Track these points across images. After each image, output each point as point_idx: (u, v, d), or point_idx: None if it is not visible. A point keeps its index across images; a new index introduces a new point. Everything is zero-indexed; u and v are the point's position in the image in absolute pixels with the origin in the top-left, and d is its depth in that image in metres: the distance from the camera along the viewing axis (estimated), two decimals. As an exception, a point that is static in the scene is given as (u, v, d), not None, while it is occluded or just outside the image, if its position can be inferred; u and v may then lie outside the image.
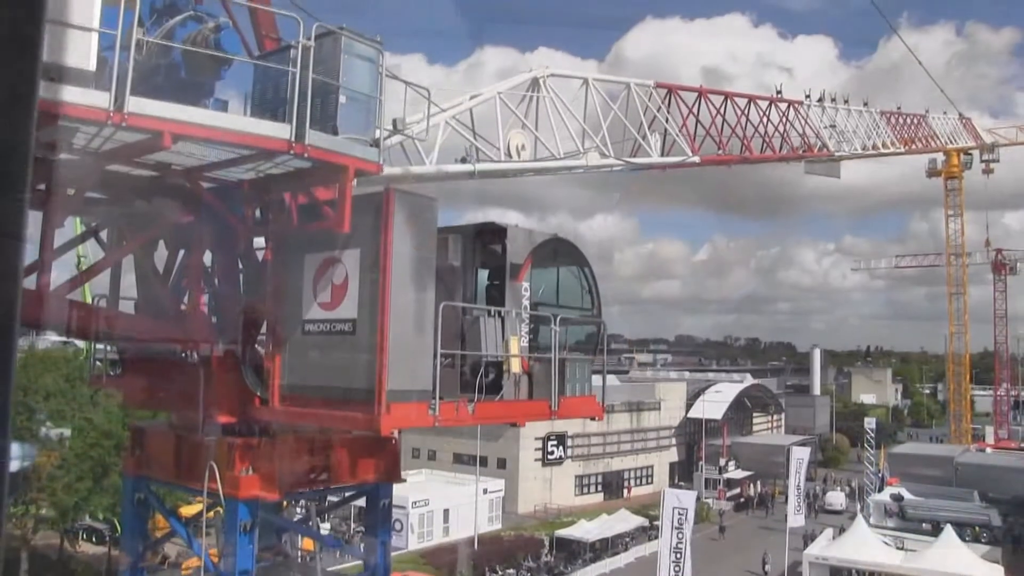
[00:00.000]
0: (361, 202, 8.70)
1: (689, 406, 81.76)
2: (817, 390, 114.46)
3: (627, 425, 75.90)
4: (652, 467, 78.92)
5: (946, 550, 45.27)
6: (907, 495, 62.74)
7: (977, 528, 57.76)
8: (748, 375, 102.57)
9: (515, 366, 10.27)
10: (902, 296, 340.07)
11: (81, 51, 6.77)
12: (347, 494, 12.07)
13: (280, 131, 7.62)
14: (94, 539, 50.46)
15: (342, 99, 8.18)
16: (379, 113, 8.57)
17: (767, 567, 50.88)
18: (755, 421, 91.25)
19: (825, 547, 48.81)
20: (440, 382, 9.19)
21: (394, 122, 12.71)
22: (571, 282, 12.35)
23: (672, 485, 78.85)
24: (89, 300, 11.00)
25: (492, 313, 10.36)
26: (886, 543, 49.98)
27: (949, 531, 47.56)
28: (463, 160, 13.80)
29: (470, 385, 10.30)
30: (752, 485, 75.89)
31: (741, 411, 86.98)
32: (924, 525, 58.25)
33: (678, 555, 34.95)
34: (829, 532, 53.81)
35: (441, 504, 57.37)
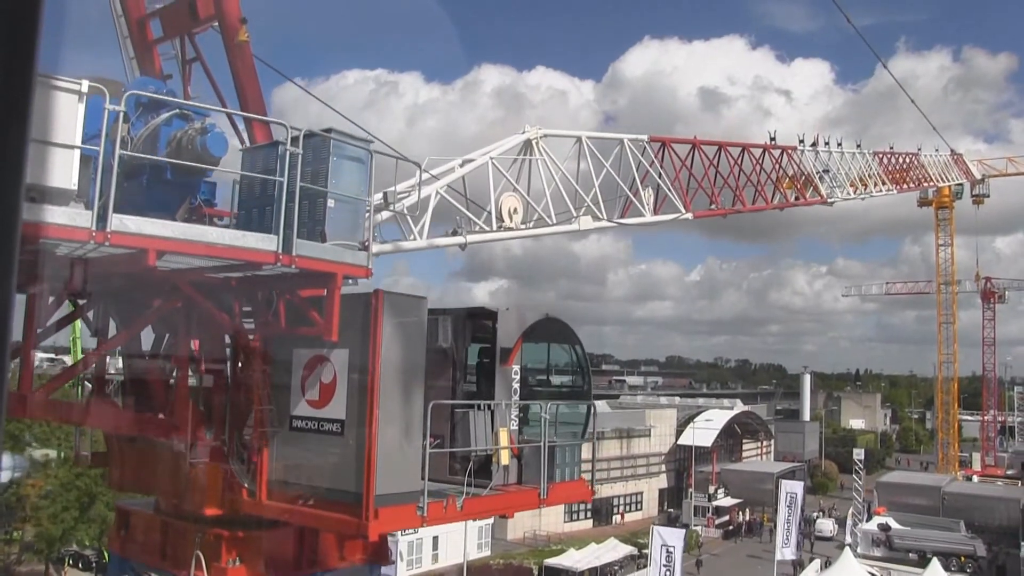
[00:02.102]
0: (350, 302, 8.61)
1: (679, 432, 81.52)
2: (807, 415, 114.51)
3: (617, 452, 75.58)
4: (642, 493, 78.63)
5: (931, 582, 45.39)
6: (894, 524, 62.74)
7: (963, 558, 57.78)
8: (738, 401, 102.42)
9: (504, 459, 10.16)
10: (892, 319, 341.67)
11: (63, 171, 6.67)
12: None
13: (267, 243, 7.53)
14: (80, 565, 49.91)
15: (331, 203, 8.10)
16: (369, 216, 8.46)
17: None
18: (745, 447, 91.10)
19: (813, 579, 48.75)
20: (429, 467, 9.10)
21: (384, 195, 12.67)
22: (562, 361, 12.29)
23: (661, 511, 78.82)
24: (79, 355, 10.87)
25: (481, 407, 10.23)
26: (872, 574, 49.92)
27: (935, 564, 47.54)
28: (454, 232, 13.71)
29: (460, 468, 10.23)
30: (741, 512, 75.67)
31: (731, 437, 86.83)
32: (911, 555, 58.29)
33: (666, 593, 34.81)
34: (816, 563, 53.73)
35: (430, 531, 56.88)
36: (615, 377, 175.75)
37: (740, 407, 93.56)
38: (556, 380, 12.21)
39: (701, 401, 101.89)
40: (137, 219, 6.94)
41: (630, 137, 19.15)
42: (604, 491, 73.62)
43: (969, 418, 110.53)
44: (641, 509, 77.96)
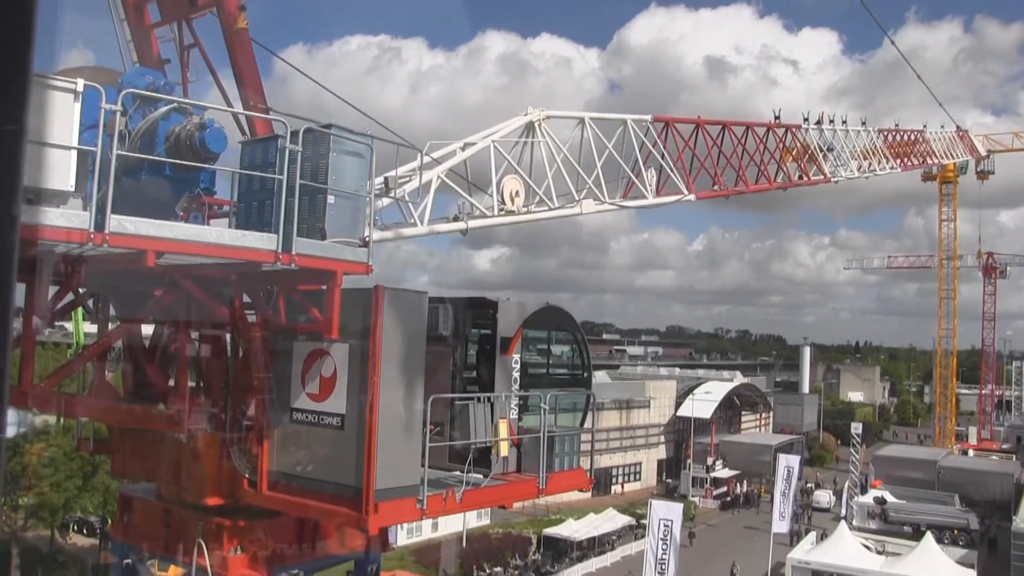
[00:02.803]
0: (351, 297, 8.59)
1: (678, 404, 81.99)
2: (806, 388, 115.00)
3: (616, 423, 76.03)
4: (640, 464, 79.27)
5: (924, 557, 45.95)
6: (890, 498, 63.39)
7: (956, 531, 58.45)
8: (738, 373, 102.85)
9: (503, 450, 10.20)
10: (894, 292, 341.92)
11: (60, 172, 6.61)
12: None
13: (266, 242, 7.49)
14: (85, 531, 50.41)
15: (331, 199, 8.03)
16: (369, 211, 8.40)
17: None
18: (744, 419, 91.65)
19: (808, 551, 49.31)
20: (429, 454, 9.14)
21: (385, 180, 12.60)
22: (562, 349, 12.31)
23: (660, 482, 79.49)
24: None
25: (481, 399, 10.26)
26: (867, 547, 50.50)
27: (928, 539, 48.09)
28: (455, 218, 13.65)
29: (460, 456, 10.29)
30: (739, 484, 76.30)
31: (730, 409, 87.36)
32: (906, 528, 58.95)
33: (663, 565, 35.14)
34: (812, 536, 54.34)
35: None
36: (615, 347, 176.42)
37: (740, 379, 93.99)
38: (556, 368, 12.22)
39: (701, 373, 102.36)
40: (136, 220, 6.89)
41: (633, 117, 18.99)
42: (603, 461, 74.17)
43: (967, 392, 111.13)
44: (640, 479, 78.65)
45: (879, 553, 50.08)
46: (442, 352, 11.01)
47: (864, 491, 67.21)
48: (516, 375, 11.17)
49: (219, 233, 7.51)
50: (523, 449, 11.01)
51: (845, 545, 48.31)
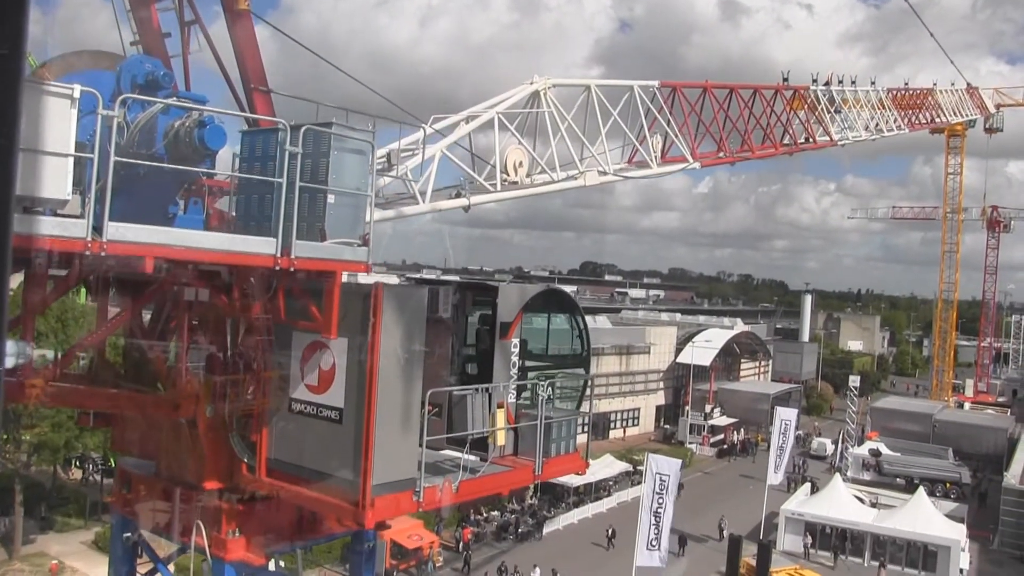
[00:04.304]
0: (350, 292, 8.59)
1: (678, 351, 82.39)
2: (806, 336, 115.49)
3: (616, 368, 76.53)
4: (639, 409, 79.98)
5: (916, 510, 46.74)
6: (885, 450, 64.21)
7: (948, 484, 59.36)
8: (739, 320, 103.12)
9: (500, 439, 10.31)
10: (898, 240, 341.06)
11: (57, 180, 6.54)
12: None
13: (266, 246, 7.45)
14: (87, 468, 51.22)
15: (331, 199, 7.97)
16: (369, 209, 8.34)
17: (724, 532, 48.55)
18: (743, 367, 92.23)
19: (802, 503, 50.12)
20: (427, 430, 9.24)
21: (388, 155, 12.48)
22: (562, 330, 12.34)
23: (658, 428, 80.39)
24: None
25: (479, 389, 10.33)
26: (860, 499, 51.33)
27: (921, 493, 48.82)
28: (457, 195, 13.54)
29: (458, 439, 10.42)
30: (736, 432, 77.17)
31: (730, 356, 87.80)
32: (898, 480, 59.88)
33: (657, 519, 35.64)
34: (807, 487, 55.22)
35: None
36: (617, 289, 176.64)
37: (740, 327, 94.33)
38: (555, 350, 12.28)
39: (702, 319, 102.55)
40: (134, 227, 6.85)
41: (641, 84, 18.69)
42: (602, 406, 74.84)
43: (966, 343, 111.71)
44: (638, 425, 79.45)
45: (872, 506, 50.94)
46: (442, 335, 11.07)
47: (860, 442, 68.02)
48: (515, 359, 11.25)
49: (218, 239, 7.48)
50: (520, 432, 11.13)
51: (839, 497, 49.08)
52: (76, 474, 52.12)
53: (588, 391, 12.28)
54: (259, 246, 7.46)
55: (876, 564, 45.48)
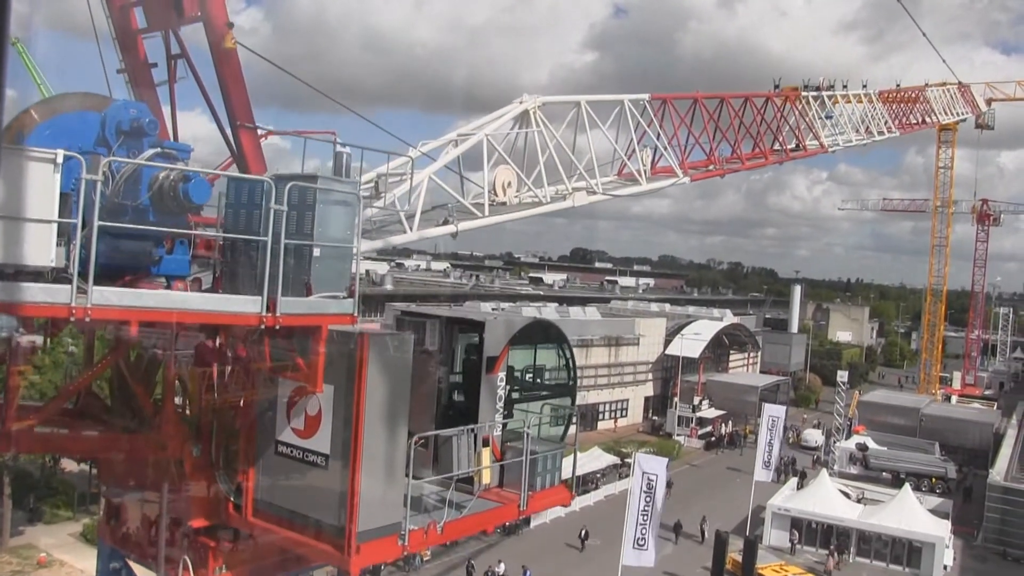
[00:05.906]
0: (336, 339, 8.60)
1: (668, 342, 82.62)
2: (795, 327, 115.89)
3: (605, 359, 76.75)
4: (627, 401, 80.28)
5: (901, 506, 47.12)
6: (872, 444, 64.62)
7: (934, 479, 59.85)
8: (728, 311, 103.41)
9: (486, 478, 10.38)
10: (888, 229, 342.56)
11: (40, 247, 6.51)
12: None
13: (251, 305, 7.45)
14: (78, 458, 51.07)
15: (316, 252, 7.96)
16: (356, 261, 8.34)
17: (705, 533, 47.52)
18: (732, 358, 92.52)
19: (788, 498, 50.44)
20: (413, 464, 9.29)
21: (376, 183, 12.48)
22: (548, 362, 12.39)
23: (646, 419, 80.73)
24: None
25: (465, 431, 10.38)
26: (846, 494, 51.68)
27: (907, 489, 49.21)
28: (445, 222, 13.55)
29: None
30: (724, 424, 77.55)
31: (719, 348, 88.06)
32: (884, 475, 60.34)
33: (645, 517, 35.82)
34: (793, 482, 55.59)
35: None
36: (607, 277, 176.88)
37: (729, 318, 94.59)
38: (542, 380, 12.33)
39: (691, 310, 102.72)
40: (118, 291, 6.85)
41: (631, 98, 18.68)
42: (590, 397, 75.12)
43: (954, 334, 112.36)
44: (626, 416, 79.78)
45: (858, 501, 51.33)
46: (428, 369, 11.11)
47: (848, 436, 68.46)
48: (501, 392, 11.30)
49: (203, 299, 7.47)
50: (506, 466, 11.20)
51: (825, 493, 49.43)
52: (66, 465, 51.98)
53: (573, 421, 12.34)
54: (244, 305, 7.46)
55: (825, 552, 45.98)
